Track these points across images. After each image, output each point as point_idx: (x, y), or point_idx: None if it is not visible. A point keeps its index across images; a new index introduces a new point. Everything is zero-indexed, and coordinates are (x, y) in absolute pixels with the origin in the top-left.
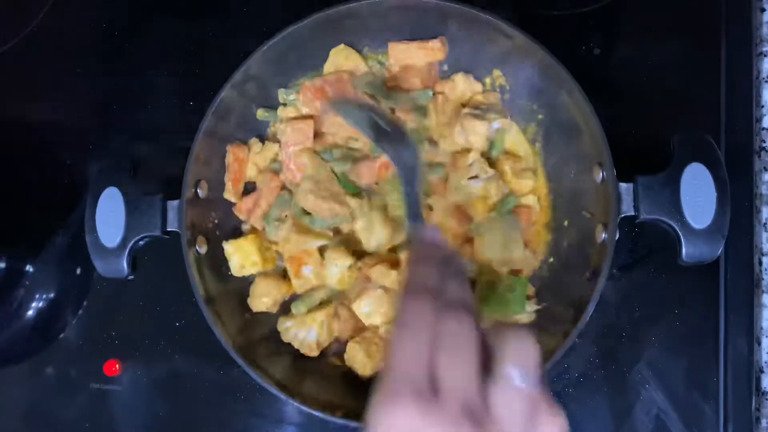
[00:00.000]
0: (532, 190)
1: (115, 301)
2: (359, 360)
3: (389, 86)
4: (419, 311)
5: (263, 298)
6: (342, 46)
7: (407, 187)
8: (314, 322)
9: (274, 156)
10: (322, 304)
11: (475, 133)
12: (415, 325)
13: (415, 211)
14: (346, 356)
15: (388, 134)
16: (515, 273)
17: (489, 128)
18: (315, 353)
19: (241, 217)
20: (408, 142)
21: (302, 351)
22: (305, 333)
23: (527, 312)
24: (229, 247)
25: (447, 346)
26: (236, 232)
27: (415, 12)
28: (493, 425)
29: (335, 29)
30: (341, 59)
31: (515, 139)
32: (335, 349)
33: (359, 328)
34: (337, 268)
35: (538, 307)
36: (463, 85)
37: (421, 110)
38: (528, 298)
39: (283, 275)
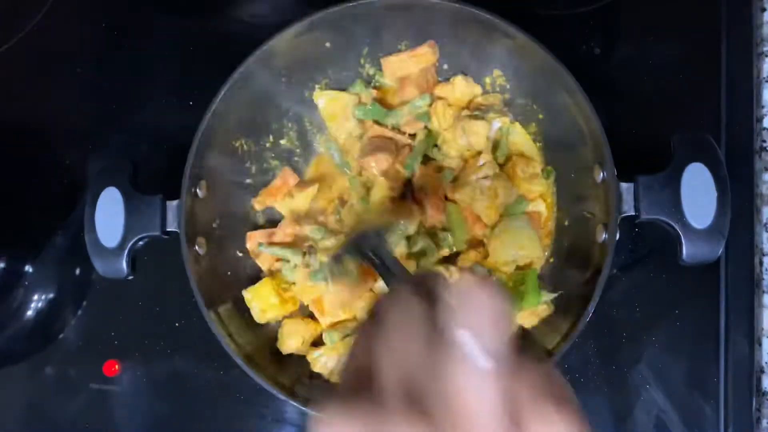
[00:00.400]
0: (540, 195)
1: (115, 301)
2: None
3: (386, 104)
4: (361, 331)
5: (291, 341)
6: (321, 154)
7: (382, 272)
8: (345, 349)
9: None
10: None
11: (475, 134)
12: (356, 340)
13: (389, 282)
14: None
15: (339, 254)
16: (520, 269)
17: (489, 128)
18: None
19: (248, 246)
20: (367, 238)
21: (332, 380)
22: (335, 361)
23: (545, 301)
24: (248, 295)
25: (385, 339)
26: (240, 243)
27: (415, 12)
28: (449, 413)
29: (336, 29)
30: (323, 167)
31: (521, 140)
32: None
33: None
34: (364, 301)
35: (555, 294)
36: (462, 88)
37: (425, 116)
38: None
39: (310, 315)
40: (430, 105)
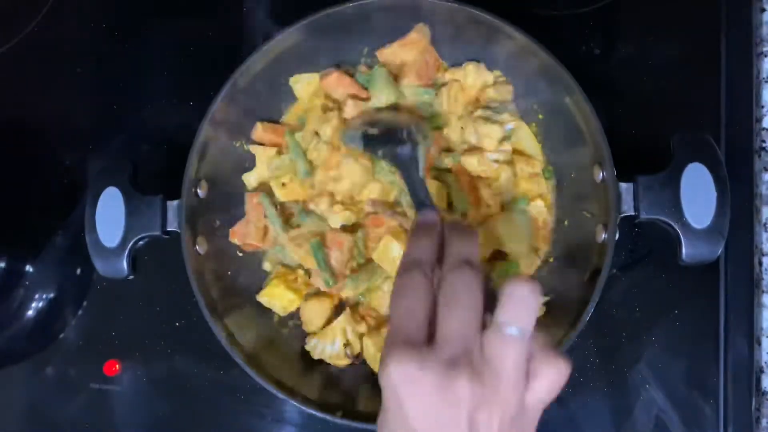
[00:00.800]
0: (539, 195)
1: (115, 301)
2: (371, 354)
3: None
4: (410, 279)
5: (316, 320)
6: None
7: (407, 179)
8: (336, 332)
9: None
10: (338, 311)
11: (487, 137)
12: (406, 290)
13: (419, 200)
14: (363, 353)
15: (377, 138)
16: (497, 257)
17: (502, 132)
18: (345, 362)
19: (235, 242)
20: (399, 139)
21: (334, 363)
22: (331, 346)
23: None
24: (264, 299)
25: (446, 299)
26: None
27: (414, 12)
28: (488, 371)
29: (335, 30)
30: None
31: (525, 138)
32: None
33: (379, 324)
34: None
35: (547, 298)
36: (474, 75)
37: (427, 107)
38: None
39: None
40: (436, 95)
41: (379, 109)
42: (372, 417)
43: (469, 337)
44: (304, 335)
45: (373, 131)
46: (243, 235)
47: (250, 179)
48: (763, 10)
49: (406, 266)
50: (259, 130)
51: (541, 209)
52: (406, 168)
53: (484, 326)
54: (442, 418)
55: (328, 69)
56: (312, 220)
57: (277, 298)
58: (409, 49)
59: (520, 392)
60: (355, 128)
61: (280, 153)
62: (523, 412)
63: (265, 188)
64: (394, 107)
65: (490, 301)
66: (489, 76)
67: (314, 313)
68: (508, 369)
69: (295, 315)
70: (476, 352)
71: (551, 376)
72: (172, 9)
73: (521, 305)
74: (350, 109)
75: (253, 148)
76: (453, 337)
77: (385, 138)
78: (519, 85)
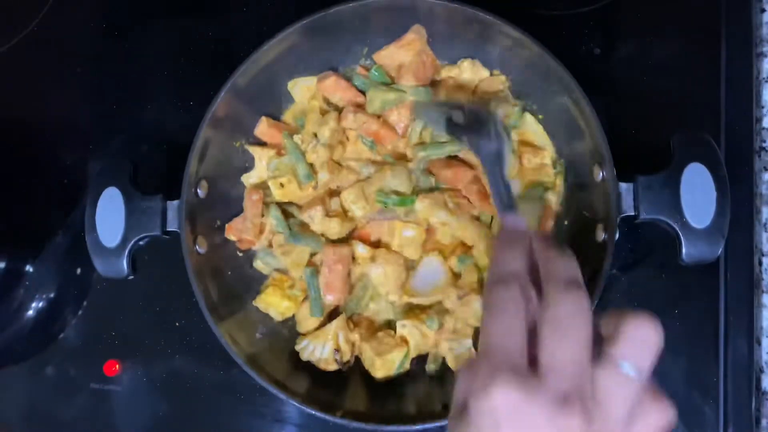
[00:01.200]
0: (552, 186)
1: (115, 301)
2: (368, 359)
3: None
4: (507, 293)
5: (309, 323)
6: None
7: (490, 177)
8: (328, 335)
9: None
10: (331, 317)
11: None
12: (505, 305)
13: (502, 201)
14: (361, 358)
15: (463, 127)
16: None
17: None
18: (333, 367)
19: (232, 238)
20: (487, 131)
21: (322, 367)
22: (321, 349)
23: None
24: (261, 304)
25: (555, 324)
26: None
27: (414, 12)
28: (598, 410)
29: (335, 30)
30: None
31: (532, 129)
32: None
33: (374, 330)
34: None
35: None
36: (469, 72)
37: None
38: None
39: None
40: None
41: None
42: (372, 417)
43: (581, 371)
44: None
45: (459, 118)
46: (239, 230)
47: (250, 180)
48: (763, 10)
49: (501, 277)
50: (264, 125)
51: (552, 199)
52: (491, 164)
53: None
54: None
55: (325, 72)
56: (305, 241)
57: (273, 305)
58: (405, 50)
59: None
60: (438, 109)
61: (279, 154)
62: None
63: (264, 188)
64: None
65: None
66: (484, 72)
67: (308, 316)
68: (620, 411)
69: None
70: (588, 389)
71: (657, 421)
72: (173, 9)
73: (644, 343)
74: (350, 122)
75: (252, 149)
76: (564, 370)
77: (472, 127)
78: (518, 84)
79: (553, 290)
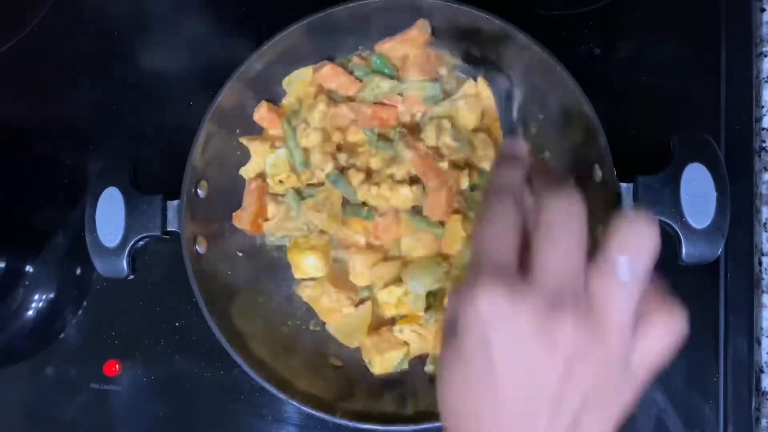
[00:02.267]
0: None
1: (115, 301)
2: (368, 354)
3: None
4: (500, 204)
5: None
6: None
7: (500, 109)
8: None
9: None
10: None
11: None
12: (495, 215)
13: (508, 128)
14: (363, 353)
15: (481, 60)
16: None
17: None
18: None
19: (238, 225)
20: (502, 71)
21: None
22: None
23: None
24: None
25: (547, 226)
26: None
27: (414, 12)
28: (592, 315)
29: (336, 29)
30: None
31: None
32: (335, 350)
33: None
34: None
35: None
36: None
37: (431, 100)
38: None
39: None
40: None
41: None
42: (372, 417)
43: (574, 272)
44: (304, 335)
45: (476, 52)
46: (242, 219)
47: (248, 173)
48: (763, 10)
49: (495, 189)
50: (263, 109)
51: None
52: (501, 99)
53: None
54: (534, 365)
55: (321, 62)
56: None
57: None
58: (410, 45)
59: (627, 345)
60: (458, 43)
61: (273, 147)
62: (627, 373)
63: (263, 177)
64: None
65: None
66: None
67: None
68: (618, 318)
69: (293, 316)
70: (580, 292)
71: (663, 327)
72: (173, 9)
73: (639, 241)
74: (345, 113)
75: (247, 141)
76: (555, 271)
77: (487, 62)
78: (518, 85)
79: (546, 197)
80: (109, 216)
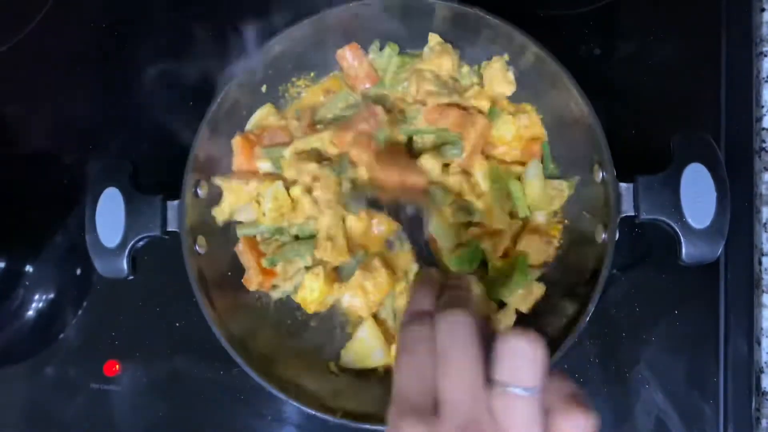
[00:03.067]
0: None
1: (115, 301)
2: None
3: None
4: (415, 333)
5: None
6: (267, 106)
7: (410, 239)
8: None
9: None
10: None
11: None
12: (412, 347)
13: (422, 259)
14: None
15: (380, 204)
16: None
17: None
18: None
19: (254, 288)
20: (404, 203)
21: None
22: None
23: (533, 281)
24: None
25: (443, 352)
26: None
27: (415, 12)
28: (501, 430)
29: (336, 29)
30: (264, 117)
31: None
32: (335, 350)
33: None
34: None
35: (541, 271)
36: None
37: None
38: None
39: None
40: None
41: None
42: (372, 417)
43: (473, 401)
44: (304, 334)
45: (371, 196)
46: (252, 280)
47: (222, 211)
48: (763, 10)
49: (406, 320)
50: (238, 141)
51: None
52: (410, 227)
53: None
54: None
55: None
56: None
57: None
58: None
59: None
60: (358, 196)
61: (247, 182)
62: None
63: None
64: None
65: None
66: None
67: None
68: (521, 427)
69: (293, 315)
70: (485, 417)
71: (578, 429)
72: (173, 8)
73: (521, 361)
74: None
75: (222, 181)
76: (456, 405)
77: (387, 206)
78: (518, 85)
79: (437, 316)
80: (109, 216)
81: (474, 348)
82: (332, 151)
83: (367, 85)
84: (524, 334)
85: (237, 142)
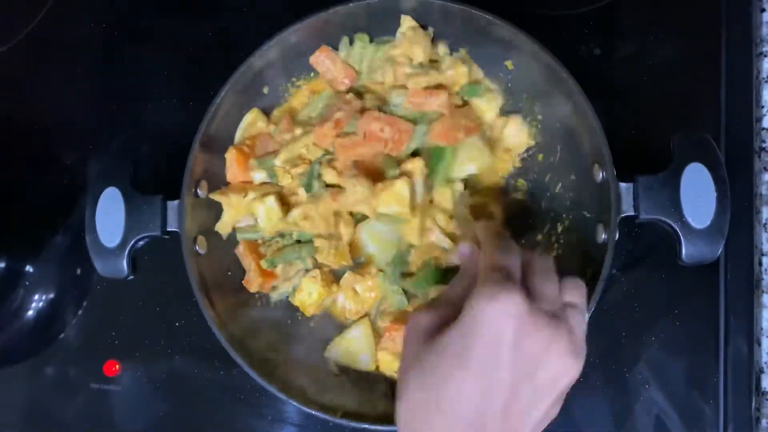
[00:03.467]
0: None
1: (115, 301)
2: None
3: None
4: (508, 242)
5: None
6: (254, 111)
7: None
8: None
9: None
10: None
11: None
12: (509, 246)
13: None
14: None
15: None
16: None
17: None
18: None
19: (255, 289)
20: None
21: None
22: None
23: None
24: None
25: (542, 269)
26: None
27: (415, 12)
28: (567, 327)
29: (336, 29)
30: (252, 122)
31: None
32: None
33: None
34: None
35: None
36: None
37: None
38: None
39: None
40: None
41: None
42: (372, 417)
43: (558, 302)
44: (304, 334)
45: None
46: (253, 281)
47: (224, 225)
48: (763, 10)
49: (500, 243)
50: (231, 153)
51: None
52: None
53: None
54: (532, 356)
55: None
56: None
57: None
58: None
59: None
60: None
61: (245, 195)
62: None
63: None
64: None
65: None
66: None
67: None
68: (581, 332)
69: (292, 315)
70: (560, 312)
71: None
72: (173, 8)
73: (580, 292)
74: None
75: (218, 197)
76: (551, 299)
77: None
78: (518, 85)
79: (536, 255)
80: (109, 216)
81: (557, 275)
82: (316, 154)
83: (347, 82)
84: (579, 280)
85: (230, 155)
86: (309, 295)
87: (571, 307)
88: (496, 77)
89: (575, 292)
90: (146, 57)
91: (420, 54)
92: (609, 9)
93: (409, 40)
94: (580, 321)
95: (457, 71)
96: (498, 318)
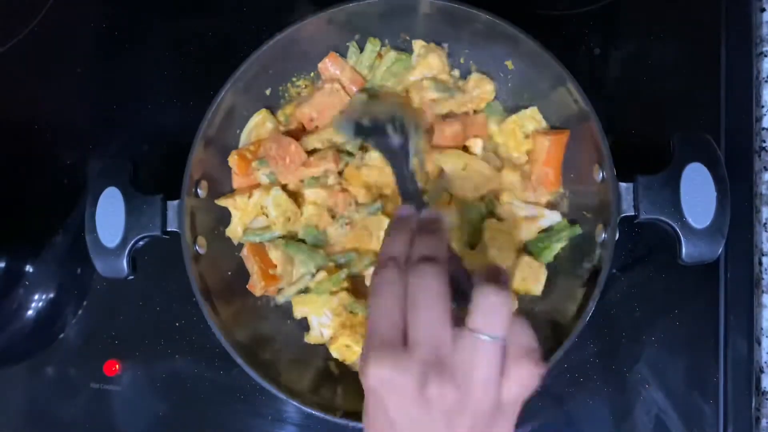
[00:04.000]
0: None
1: (115, 301)
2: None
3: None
4: (385, 277)
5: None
6: (263, 111)
7: (395, 170)
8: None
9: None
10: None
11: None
12: (382, 290)
13: (405, 193)
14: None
15: (369, 128)
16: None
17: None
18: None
19: (259, 293)
20: (392, 130)
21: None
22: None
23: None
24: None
25: (413, 300)
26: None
27: (416, 13)
28: (461, 374)
29: (336, 29)
30: (261, 123)
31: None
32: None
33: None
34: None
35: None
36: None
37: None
38: None
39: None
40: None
41: (371, 99)
42: None
43: (439, 338)
44: (304, 335)
45: (366, 121)
46: (257, 285)
47: (234, 231)
48: (763, 10)
49: (380, 263)
50: (234, 157)
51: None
52: (396, 159)
53: (459, 317)
54: (420, 419)
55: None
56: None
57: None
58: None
59: (494, 392)
60: (348, 118)
61: (250, 196)
62: (500, 408)
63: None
64: (388, 98)
65: (469, 286)
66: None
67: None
68: (480, 374)
69: (292, 316)
70: (448, 355)
71: (523, 379)
72: (173, 8)
73: (491, 312)
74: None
75: (224, 202)
76: (423, 340)
77: (377, 128)
78: (519, 84)
79: (409, 270)
80: (109, 216)
81: (442, 291)
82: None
83: (355, 89)
84: (499, 286)
85: (233, 160)
86: (347, 347)
87: (466, 335)
88: (496, 77)
89: (485, 315)
90: (146, 57)
91: (437, 62)
92: (609, 9)
93: (424, 55)
94: (480, 358)
95: (483, 89)
96: (374, 394)
